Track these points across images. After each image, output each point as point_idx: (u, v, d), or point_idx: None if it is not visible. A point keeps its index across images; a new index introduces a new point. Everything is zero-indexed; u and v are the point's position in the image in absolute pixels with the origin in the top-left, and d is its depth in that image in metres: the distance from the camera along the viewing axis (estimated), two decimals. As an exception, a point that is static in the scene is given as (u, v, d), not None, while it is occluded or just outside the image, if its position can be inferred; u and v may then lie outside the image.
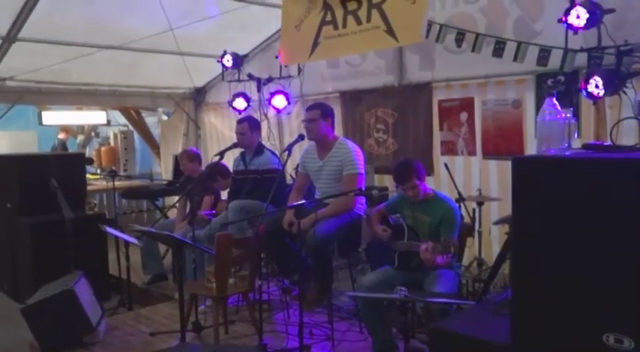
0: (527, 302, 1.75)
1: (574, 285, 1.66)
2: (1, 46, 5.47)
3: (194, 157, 5.22)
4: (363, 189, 3.87)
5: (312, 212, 3.53)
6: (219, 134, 7.60)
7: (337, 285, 4.36)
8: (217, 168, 4.71)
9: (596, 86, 3.54)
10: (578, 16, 3.55)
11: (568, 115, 1.85)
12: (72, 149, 9.40)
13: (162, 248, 5.27)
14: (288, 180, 5.17)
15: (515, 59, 4.17)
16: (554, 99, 1.87)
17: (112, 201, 7.17)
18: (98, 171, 8.78)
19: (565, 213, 1.67)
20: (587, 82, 3.58)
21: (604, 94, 3.57)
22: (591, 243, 1.61)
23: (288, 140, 6.40)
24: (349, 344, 3.53)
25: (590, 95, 3.61)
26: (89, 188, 6.15)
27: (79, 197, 5.08)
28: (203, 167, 5.30)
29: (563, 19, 3.61)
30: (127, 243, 4.36)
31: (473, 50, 4.42)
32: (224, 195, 5.45)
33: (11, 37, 5.30)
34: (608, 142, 1.91)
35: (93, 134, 10.18)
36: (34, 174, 4.87)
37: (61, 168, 4.97)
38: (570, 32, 3.66)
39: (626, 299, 1.55)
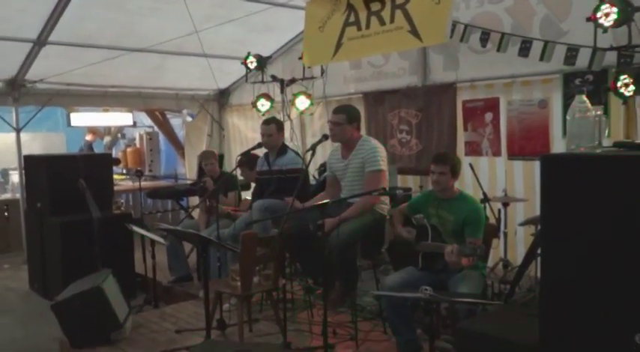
0: (556, 302, 1.73)
1: (605, 285, 1.63)
2: (31, 49, 5.62)
3: (217, 157, 5.33)
4: (385, 186, 3.87)
5: (336, 212, 3.54)
6: (242, 135, 7.67)
7: (361, 285, 4.35)
8: (250, 156, 4.73)
9: (626, 85, 3.48)
10: (608, 14, 3.49)
11: (599, 113, 1.82)
12: (98, 150, 9.58)
13: (186, 247, 5.33)
14: (311, 181, 5.19)
15: (541, 59, 4.12)
16: (585, 96, 1.84)
17: (138, 201, 7.30)
18: (124, 172, 8.93)
19: (595, 211, 1.64)
20: (616, 81, 3.52)
21: (634, 93, 3.50)
22: (623, 241, 1.58)
23: (310, 141, 6.42)
24: (373, 344, 3.51)
25: (619, 94, 3.54)
26: (115, 188, 6.25)
27: (106, 197, 5.18)
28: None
29: (592, 17, 3.56)
30: (152, 242, 4.43)
31: (498, 50, 4.38)
32: (247, 194, 5.51)
33: (41, 40, 5.44)
34: (640, 141, 1.87)
35: (119, 135, 10.36)
36: (63, 175, 4.98)
37: (89, 168, 5.07)
38: (599, 30, 3.60)
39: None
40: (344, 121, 3.97)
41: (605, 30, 3.58)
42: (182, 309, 4.38)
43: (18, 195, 6.76)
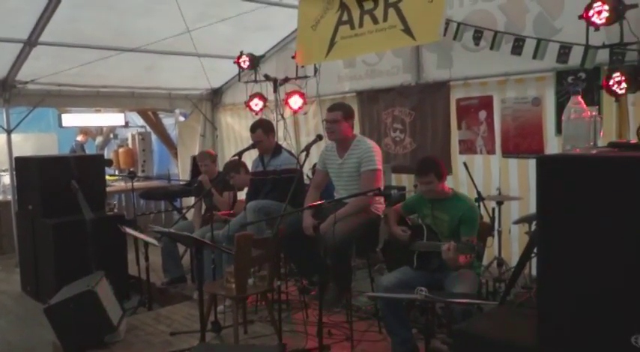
0: (553, 302, 1.72)
1: (602, 285, 1.63)
2: (22, 49, 5.56)
3: (215, 158, 5.32)
4: (381, 186, 3.86)
5: (332, 212, 3.53)
6: (236, 135, 7.64)
7: (355, 285, 4.35)
8: (235, 164, 4.73)
9: (619, 83, 3.49)
10: (600, 12, 3.50)
11: (593, 113, 1.82)
12: (89, 151, 9.51)
13: (180, 248, 5.30)
14: (306, 181, 5.17)
15: (534, 56, 4.13)
16: (580, 97, 1.83)
17: (131, 202, 7.25)
18: (116, 173, 8.87)
19: (592, 212, 1.64)
20: (609, 79, 3.53)
21: (626, 91, 3.51)
22: (619, 242, 1.58)
23: (304, 140, 6.41)
24: (368, 345, 3.51)
25: (612, 92, 3.55)
26: (108, 189, 6.22)
27: (98, 198, 5.13)
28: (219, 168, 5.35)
29: (584, 15, 3.56)
30: (146, 244, 4.40)
31: (491, 48, 4.38)
32: (241, 195, 5.48)
33: (32, 41, 5.39)
34: (634, 140, 1.87)
35: (111, 136, 10.29)
36: (55, 176, 4.92)
37: (82, 169, 5.02)
38: (591, 28, 3.61)
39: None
40: (341, 117, 3.95)
41: (597, 28, 3.58)
42: (177, 311, 4.36)
43: (9, 197, 6.70)
